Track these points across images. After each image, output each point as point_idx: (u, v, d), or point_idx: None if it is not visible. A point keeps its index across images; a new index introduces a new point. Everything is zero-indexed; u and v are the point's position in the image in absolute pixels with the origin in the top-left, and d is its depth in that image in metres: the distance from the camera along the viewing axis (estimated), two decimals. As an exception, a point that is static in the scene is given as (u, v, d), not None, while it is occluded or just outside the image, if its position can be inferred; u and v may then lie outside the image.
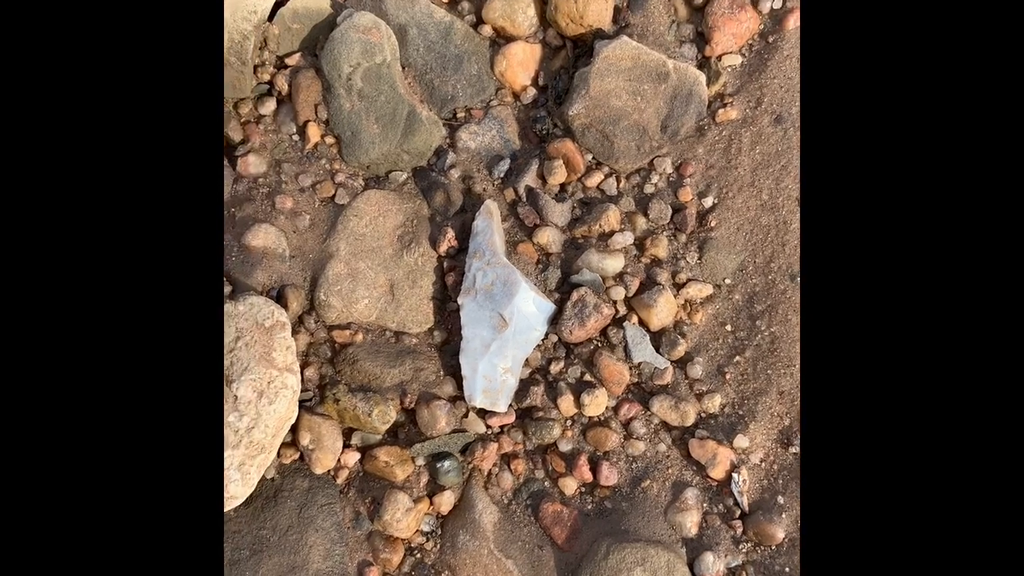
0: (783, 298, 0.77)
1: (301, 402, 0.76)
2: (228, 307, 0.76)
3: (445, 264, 0.80)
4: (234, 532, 0.76)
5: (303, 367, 0.77)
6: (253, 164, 0.81)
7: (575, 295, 0.78)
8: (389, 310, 0.79)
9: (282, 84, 0.81)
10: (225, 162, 0.82)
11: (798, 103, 0.79)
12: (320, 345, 0.79)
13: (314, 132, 0.81)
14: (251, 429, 0.73)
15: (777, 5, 0.81)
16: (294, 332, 0.77)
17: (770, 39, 0.81)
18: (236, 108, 0.82)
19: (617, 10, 0.82)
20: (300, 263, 0.80)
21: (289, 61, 0.82)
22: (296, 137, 0.82)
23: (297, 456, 0.77)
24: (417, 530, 0.77)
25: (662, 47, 0.82)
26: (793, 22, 0.81)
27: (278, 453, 0.76)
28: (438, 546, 0.77)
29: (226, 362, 0.74)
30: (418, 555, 0.77)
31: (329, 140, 0.82)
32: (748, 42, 0.82)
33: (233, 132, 0.81)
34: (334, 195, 0.81)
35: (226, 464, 0.73)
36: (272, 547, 0.75)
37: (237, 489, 0.73)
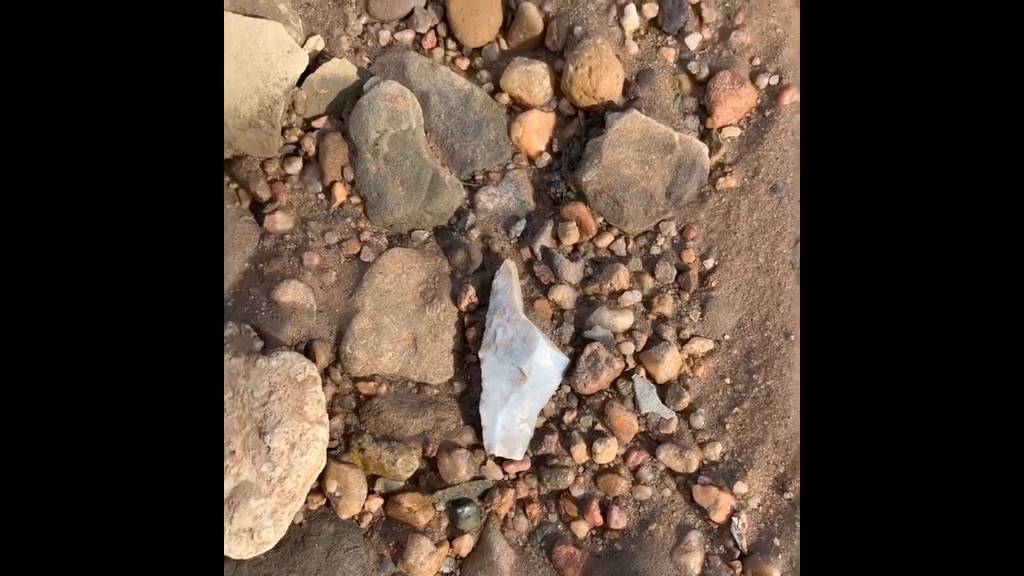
0: (778, 354, 0.83)
1: (328, 451, 0.80)
2: (262, 362, 0.79)
3: (465, 319, 0.85)
4: (265, 574, 0.79)
5: (329, 417, 0.81)
6: (280, 221, 0.85)
7: (588, 350, 0.83)
8: (412, 363, 0.84)
9: (309, 146, 0.86)
10: (252, 218, 0.86)
11: (792, 173, 0.86)
12: (346, 396, 0.83)
13: (340, 192, 0.85)
14: (284, 479, 0.77)
15: (774, 82, 0.88)
16: (321, 384, 0.81)
17: (767, 113, 0.88)
18: (263, 167, 0.86)
19: (627, 84, 0.88)
20: (327, 317, 0.84)
21: (316, 124, 0.86)
22: (322, 196, 0.86)
23: (324, 502, 0.81)
24: (438, 572, 0.81)
25: (668, 119, 0.88)
26: (788, 97, 0.88)
27: (306, 500, 0.80)
28: (457, 587, 0.82)
29: (259, 415, 0.78)
30: (438, 597, 0.81)
31: (355, 200, 0.86)
32: (747, 115, 0.89)
33: (261, 191, 0.85)
34: (359, 252, 0.85)
35: (259, 512, 0.76)
36: (301, 590, 0.79)
37: (269, 535, 0.77)
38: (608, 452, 0.83)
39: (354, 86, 0.86)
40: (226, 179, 0.86)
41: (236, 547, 0.76)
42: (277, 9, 0.83)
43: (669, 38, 0.90)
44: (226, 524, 0.76)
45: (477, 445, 0.83)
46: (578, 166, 0.87)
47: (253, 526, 0.76)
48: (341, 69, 0.85)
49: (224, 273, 0.83)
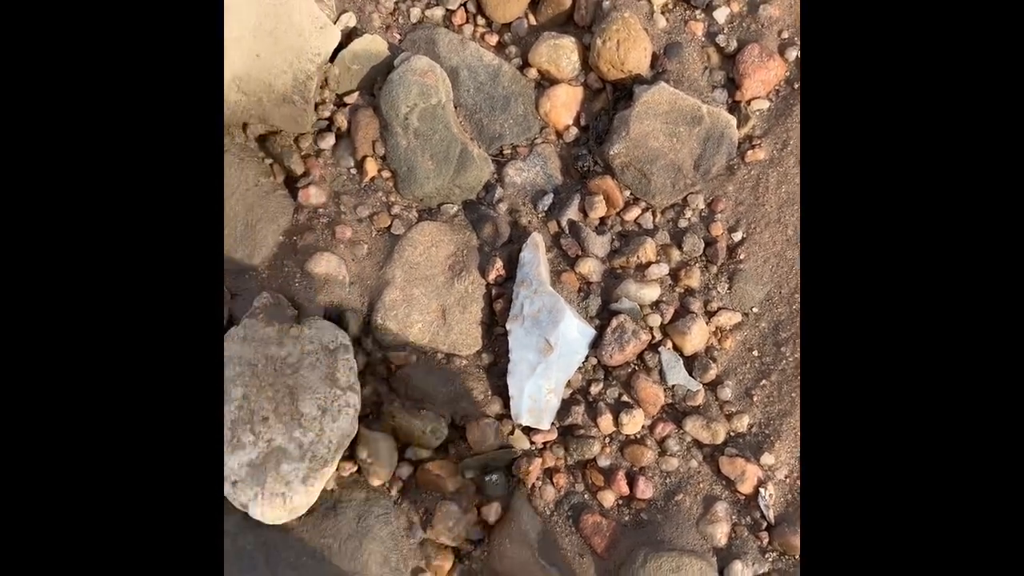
0: (806, 326, 0.83)
1: (359, 418, 0.81)
2: (294, 330, 0.81)
3: (493, 291, 0.86)
4: (297, 540, 0.81)
5: (361, 386, 0.83)
6: (314, 195, 0.87)
7: (615, 322, 0.84)
8: (441, 334, 0.85)
9: (341, 121, 0.87)
10: (287, 192, 0.88)
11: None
12: (377, 365, 0.85)
13: (371, 166, 0.87)
14: (315, 444, 0.79)
15: (802, 54, 0.88)
16: (353, 353, 0.82)
17: (795, 86, 0.88)
18: (297, 143, 0.88)
19: (655, 57, 0.89)
20: (359, 289, 0.85)
21: (348, 99, 0.87)
22: (354, 171, 0.88)
23: (355, 469, 0.83)
24: (466, 539, 0.83)
25: (696, 92, 0.88)
26: (817, 70, 0.87)
27: (337, 466, 0.82)
28: (486, 553, 0.83)
29: (292, 381, 0.80)
30: (467, 562, 0.83)
31: (386, 174, 0.87)
32: (775, 88, 0.88)
33: (295, 165, 0.87)
34: (390, 226, 0.87)
35: (291, 477, 0.78)
36: (333, 553, 0.81)
37: (301, 500, 0.79)
38: (634, 423, 0.83)
39: (385, 62, 0.87)
40: (261, 154, 0.88)
41: (269, 511, 0.78)
42: (310, -14, 0.85)
43: (697, 11, 0.90)
44: (258, 489, 0.78)
45: (505, 415, 0.84)
46: (605, 139, 0.87)
47: (285, 491, 0.78)
48: (372, 45, 0.87)
49: (258, 246, 0.86)
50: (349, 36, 0.87)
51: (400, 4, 0.90)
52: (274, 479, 0.78)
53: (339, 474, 0.83)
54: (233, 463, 0.78)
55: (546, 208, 0.88)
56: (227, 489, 0.78)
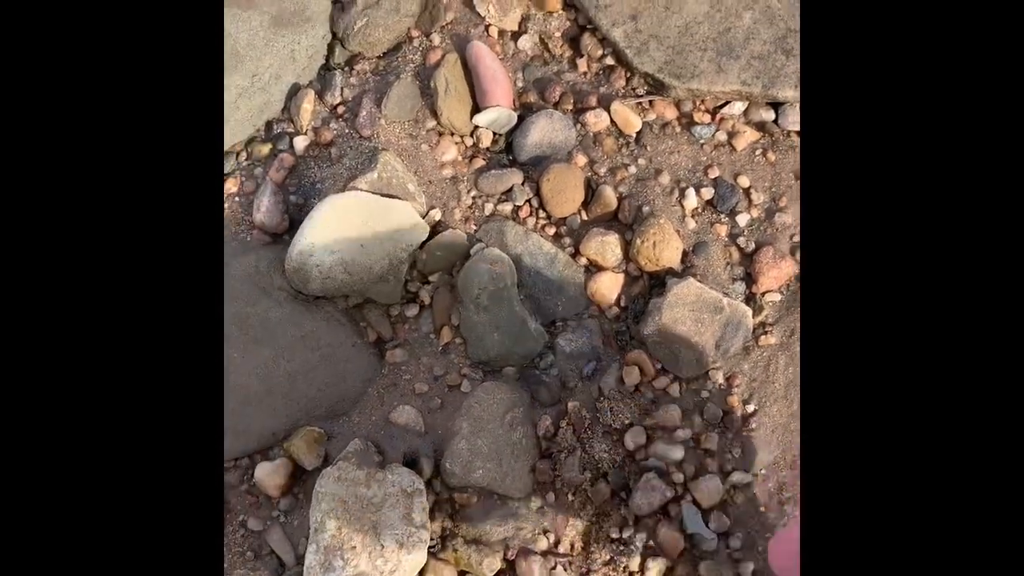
0: (807, 490, 0.99)
1: (428, 549, 0.98)
2: (380, 475, 0.99)
3: (543, 445, 1.03)
4: (372, 650, 0.97)
5: (430, 520, 1.00)
6: (399, 355, 1.05)
7: (645, 477, 1.00)
8: (498, 478, 1.02)
9: (425, 296, 1.06)
10: (376, 351, 1.07)
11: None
12: (444, 503, 1.01)
13: (447, 334, 1.05)
14: (393, 572, 0.95)
15: (809, 257, 1.05)
16: (425, 493, 1.00)
17: (803, 282, 1.05)
18: (387, 311, 1.07)
19: (685, 254, 1.07)
20: (431, 437, 1.03)
21: (431, 278, 1.07)
22: (432, 336, 1.06)
23: (422, 592, 0.99)
24: (512, 658, 0.98)
25: (718, 284, 1.06)
26: (821, 271, 1.04)
27: (408, 589, 0.98)
28: (527, 671, 0.98)
29: (375, 518, 0.97)
30: (511, 677, 0.98)
31: (458, 340, 1.06)
32: (786, 283, 1.06)
33: (384, 330, 1.06)
34: (460, 384, 1.05)
35: (371, 597, 0.95)
36: (401, 664, 0.97)
37: (378, 619, 0.95)
38: (657, 568, 0.99)
39: (463, 249, 1.06)
40: (356, 319, 1.07)
41: (351, 625, 0.95)
42: (406, 188, 1.05)
43: (723, 216, 1.08)
44: (344, 604, 0.95)
45: (549, 552, 1.00)
46: (641, 320, 1.05)
47: (366, 609, 0.95)
48: (453, 237, 1.06)
49: (354, 398, 1.04)
50: (435, 227, 1.07)
51: (477, 199, 1.09)
52: (357, 599, 0.95)
53: (409, 596, 0.99)
54: (324, 583, 0.95)
55: (589, 373, 1.05)
56: (317, 604, 0.95)
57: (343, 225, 1.02)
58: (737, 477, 1.01)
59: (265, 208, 1.07)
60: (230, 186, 1.10)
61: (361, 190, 1.03)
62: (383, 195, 1.04)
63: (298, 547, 1.01)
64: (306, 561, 0.95)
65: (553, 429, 1.03)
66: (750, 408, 1.03)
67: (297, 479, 1.03)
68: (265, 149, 1.12)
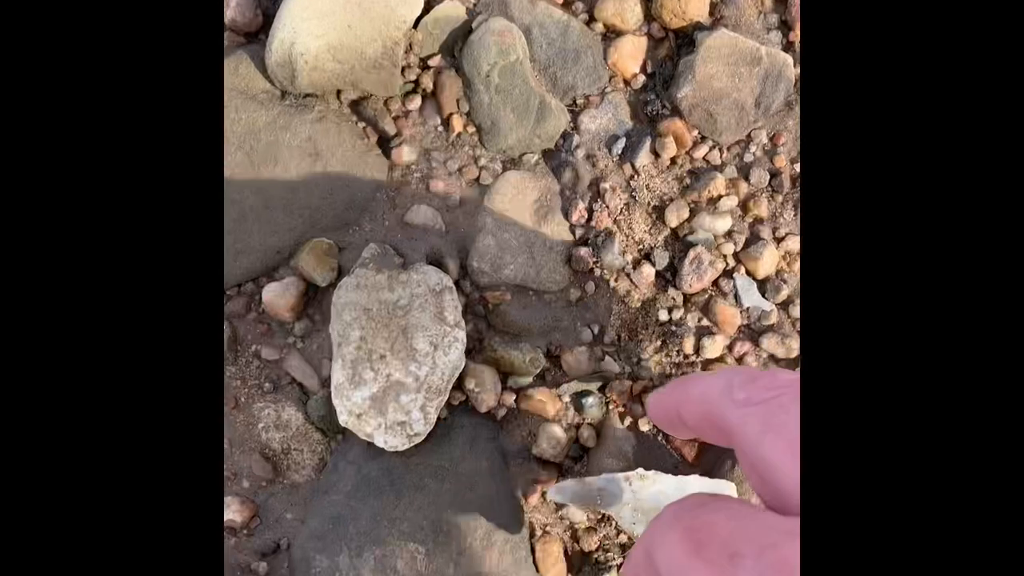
0: (868, 246, 0.90)
1: (465, 352, 0.90)
2: (403, 276, 0.89)
3: (576, 232, 0.93)
4: (417, 464, 0.90)
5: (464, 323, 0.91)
6: (406, 153, 0.94)
7: (692, 253, 0.91)
8: (531, 273, 0.93)
9: (427, 83, 0.94)
10: (380, 152, 0.95)
11: (874, 77, 0.92)
12: (475, 305, 0.92)
13: (457, 123, 0.94)
14: (429, 376, 0.87)
15: (852, -8, 0.94)
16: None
17: (847, 22, 0.94)
18: (387, 105, 0.95)
19: (712, 5, 0.95)
20: (454, 236, 0.93)
21: (431, 62, 0.94)
22: (441, 128, 0.95)
23: (464, 398, 0.91)
24: (567, 455, 0.91)
25: (753, 35, 0.94)
26: (867, 7, 0.93)
27: (448, 396, 0.90)
28: (585, 468, 0.91)
29: (403, 322, 0.88)
30: (569, 475, 0.91)
31: (471, 129, 0.94)
32: (828, 26, 0.94)
33: (387, 126, 0.94)
34: (478, 177, 0.94)
35: (409, 407, 0.87)
36: (450, 474, 0.90)
37: (420, 427, 0.87)
38: (715, 346, 0.91)
39: (463, 25, 0.94)
40: (354, 118, 0.95)
41: (391, 439, 0.87)
42: (391, -42, 0.92)
43: (751, -42, 0.96)
44: (381, 419, 0.87)
45: (594, 342, 0.92)
46: (672, 84, 0.94)
47: (405, 419, 0.87)
48: (451, 10, 0.93)
49: (362, 204, 0.93)
50: (429, 2, 0.94)
51: (472, -30, 0.96)
52: (394, 409, 0.87)
53: (450, 403, 0.91)
54: (356, 398, 0.87)
55: (620, 152, 0.95)
56: (352, 422, 0.87)
57: (326, 4, 0.89)
58: (792, 242, 0.92)
59: (235, 3, 0.93)
60: (189, -16, 0.96)
61: (341, -40, 0.90)
62: (367, -35, 0.90)
63: (320, 370, 0.93)
64: (332, 380, 0.86)
65: (587, 214, 0.93)
66: (798, 167, 0.93)
67: (310, 299, 0.93)
68: (223, -62, 0.97)
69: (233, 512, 0.89)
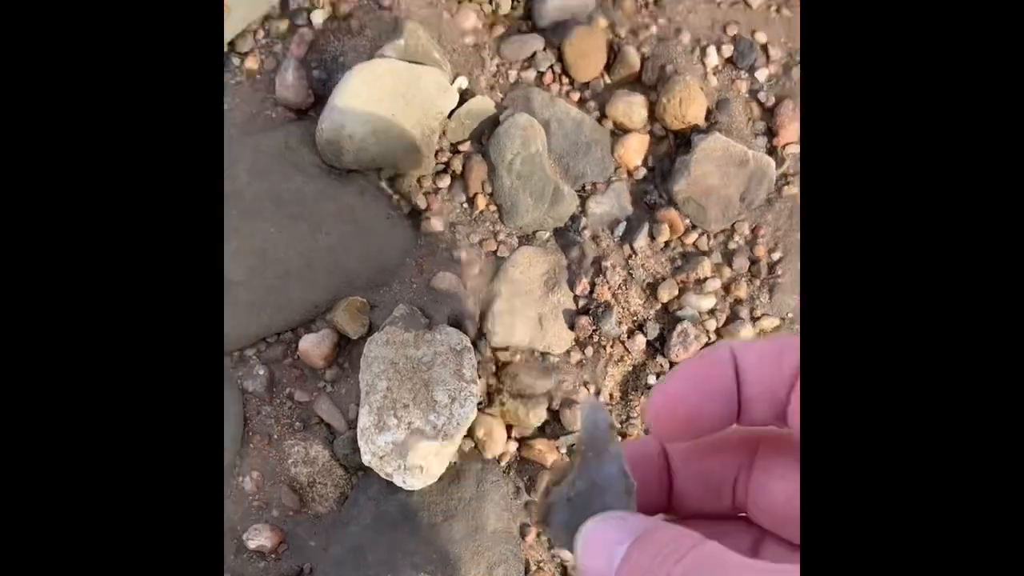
0: (833, 329, 1.04)
1: (476, 405, 1.02)
2: (428, 335, 1.02)
3: (579, 303, 1.06)
4: (430, 502, 1.02)
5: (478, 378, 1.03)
6: (434, 225, 1.07)
7: (679, 327, 1.04)
8: (538, 336, 1.05)
9: (456, 165, 1.07)
10: (410, 223, 1.08)
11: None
12: (488, 363, 1.05)
13: (481, 202, 1.07)
14: (446, 425, 0.99)
15: (828, 109, 1.08)
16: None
17: (822, 134, 1.08)
18: (419, 182, 1.08)
19: (709, 111, 1.09)
20: (473, 301, 1.06)
21: (461, 148, 1.08)
22: (466, 205, 1.08)
23: (473, 445, 1.03)
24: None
25: (742, 139, 1.09)
26: (840, 122, 1.08)
27: (460, 443, 1.02)
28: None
29: (426, 376, 1.00)
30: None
31: (492, 208, 1.07)
32: (806, 136, 1.09)
33: (419, 201, 1.07)
34: (496, 250, 1.07)
35: (427, 452, 0.99)
36: (458, 512, 1.02)
37: (435, 470, 0.99)
38: (695, 407, 1.04)
39: (491, 117, 1.07)
40: (390, 192, 1.08)
41: (411, 480, 0.99)
42: (432, 56, 1.05)
43: (742, 72, 1.10)
44: (401, 462, 0.99)
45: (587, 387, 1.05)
46: (669, 178, 1.08)
47: (423, 464, 0.99)
48: (482, 104, 1.07)
49: (393, 268, 1.06)
50: (463, 94, 1.07)
51: (501, 67, 1.10)
52: (414, 454, 0.98)
53: (461, 449, 1.03)
54: (380, 441, 0.98)
55: (621, 234, 1.08)
56: (374, 462, 0.98)
57: (374, 94, 1.02)
58: (767, 322, 1.05)
59: (289, 83, 1.06)
60: (251, 64, 1.09)
61: (389, 56, 1.03)
62: (411, 62, 1.03)
63: (347, 413, 1.04)
64: (359, 424, 0.98)
65: (590, 287, 1.06)
66: (775, 256, 1.07)
67: (342, 349, 1.05)
68: (283, 26, 1.10)
69: (264, 538, 1.00)
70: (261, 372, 1.04)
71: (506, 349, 1.05)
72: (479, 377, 1.04)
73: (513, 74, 1.10)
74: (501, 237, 1.07)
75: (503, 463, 1.04)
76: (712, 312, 1.06)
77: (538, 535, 1.03)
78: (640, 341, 1.05)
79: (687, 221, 1.08)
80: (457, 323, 1.05)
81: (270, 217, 1.03)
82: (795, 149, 1.09)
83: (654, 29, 1.10)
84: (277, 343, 1.06)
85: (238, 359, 1.05)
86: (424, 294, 1.05)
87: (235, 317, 1.03)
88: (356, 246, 1.05)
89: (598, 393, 1.05)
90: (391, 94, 1.02)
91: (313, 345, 1.04)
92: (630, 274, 1.07)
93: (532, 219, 1.07)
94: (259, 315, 1.04)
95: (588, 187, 1.09)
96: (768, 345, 0.41)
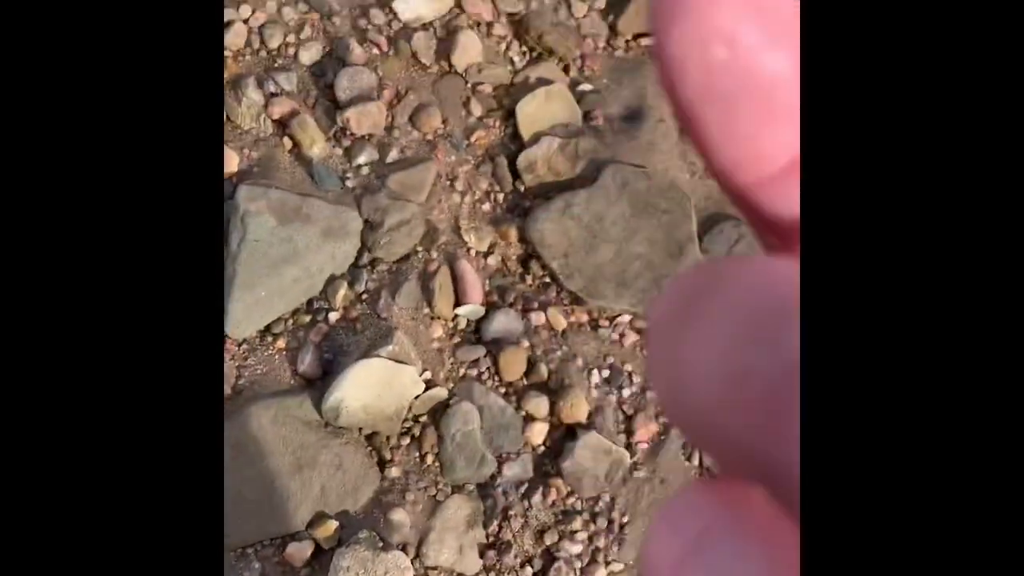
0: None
1: (409, 609, 1.43)
2: (381, 555, 1.44)
3: (489, 539, 1.52)
4: None
5: (410, 589, 1.45)
6: (395, 473, 1.53)
7: (555, 564, 1.50)
8: (458, 561, 1.49)
9: (416, 431, 1.55)
10: (379, 470, 1.53)
11: (680, 475, 1.58)
12: (420, 578, 1.48)
13: (429, 459, 1.54)
14: (386, 623, 1.40)
15: (666, 421, 1.63)
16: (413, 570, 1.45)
17: (662, 439, 1.62)
18: (387, 440, 1.54)
19: (590, 414, 1.62)
20: (415, 530, 1.50)
21: (420, 419, 1.56)
22: (419, 460, 1.55)
23: (402, 640, 1.44)
24: None
25: (610, 436, 1.60)
26: (675, 437, 1.61)
27: (393, 637, 1.43)
28: None
29: (377, 585, 1.42)
30: None
31: (436, 464, 1.54)
32: (653, 437, 1.62)
33: (385, 453, 1.53)
34: (436, 495, 1.53)
35: (370, 642, 1.38)
36: None
37: (373, 656, 1.39)
38: None
39: (443, 400, 1.56)
40: (366, 445, 1.53)
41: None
42: (410, 356, 1.55)
43: (614, 389, 1.64)
44: (349, 647, 1.38)
45: (490, 613, 1.48)
46: (559, 456, 1.58)
47: (365, 650, 1.38)
48: (438, 392, 1.56)
49: (364, 500, 1.49)
50: (427, 383, 1.57)
51: (454, 365, 1.61)
52: (360, 643, 1.38)
53: (393, 642, 1.43)
54: (337, 631, 1.38)
55: (523, 492, 1.56)
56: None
57: (367, 380, 1.50)
58: (615, 566, 1.53)
59: (307, 362, 1.54)
60: (280, 344, 1.56)
61: (382, 356, 1.53)
62: (396, 361, 1.53)
63: (315, 606, 1.44)
64: (323, 616, 1.38)
65: (498, 529, 1.52)
66: (625, 519, 1.56)
67: (317, 555, 1.46)
68: (306, 319, 1.59)
69: None
70: (256, 566, 1.44)
71: (436, 568, 1.48)
72: (413, 588, 1.46)
73: (462, 371, 1.61)
74: (440, 485, 1.53)
75: (421, 655, 1.44)
76: (579, 555, 1.53)
77: None
78: (528, 572, 1.50)
79: (568, 488, 1.57)
80: (404, 547, 1.48)
81: (280, 458, 1.47)
82: (644, 446, 1.61)
83: (559, 353, 1.64)
84: (269, 545, 1.46)
85: (239, 554, 1.44)
86: (381, 524, 1.49)
87: (241, 522, 1.43)
88: (338, 481, 1.49)
89: (495, 607, 1.48)
90: (378, 383, 1.51)
91: (297, 550, 1.45)
92: (526, 521, 1.54)
93: (464, 475, 1.54)
94: (259, 523, 1.45)
95: (504, 456, 1.58)
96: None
